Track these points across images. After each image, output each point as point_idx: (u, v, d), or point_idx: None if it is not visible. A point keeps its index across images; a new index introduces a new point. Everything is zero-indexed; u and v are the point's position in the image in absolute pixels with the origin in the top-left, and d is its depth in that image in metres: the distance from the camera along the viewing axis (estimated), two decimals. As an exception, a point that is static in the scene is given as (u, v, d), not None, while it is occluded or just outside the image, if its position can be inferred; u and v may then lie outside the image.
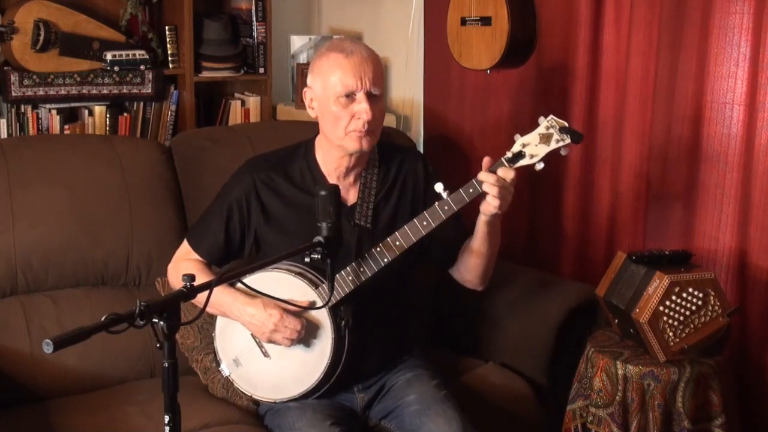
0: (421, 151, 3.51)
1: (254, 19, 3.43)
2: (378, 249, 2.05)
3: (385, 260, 2.04)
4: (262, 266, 1.76)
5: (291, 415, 2.09)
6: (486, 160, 2.01)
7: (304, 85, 2.17)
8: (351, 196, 2.18)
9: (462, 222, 2.20)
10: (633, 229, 2.83)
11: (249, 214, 2.18)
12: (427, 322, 2.74)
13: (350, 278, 2.05)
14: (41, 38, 2.97)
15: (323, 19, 3.84)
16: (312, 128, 2.23)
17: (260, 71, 3.46)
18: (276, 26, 3.50)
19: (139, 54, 3.19)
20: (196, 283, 1.47)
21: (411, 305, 2.34)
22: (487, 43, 2.73)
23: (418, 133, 3.61)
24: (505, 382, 2.49)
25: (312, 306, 2.04)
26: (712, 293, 2.27)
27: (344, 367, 2.07)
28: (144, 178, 2.57)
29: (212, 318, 2.23)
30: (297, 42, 3.66)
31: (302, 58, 3.64)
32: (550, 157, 2.02)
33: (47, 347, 1.24)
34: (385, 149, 2.24)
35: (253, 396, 2.18)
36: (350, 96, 2.04)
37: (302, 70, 3.54)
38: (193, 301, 1.49)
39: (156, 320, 1.38)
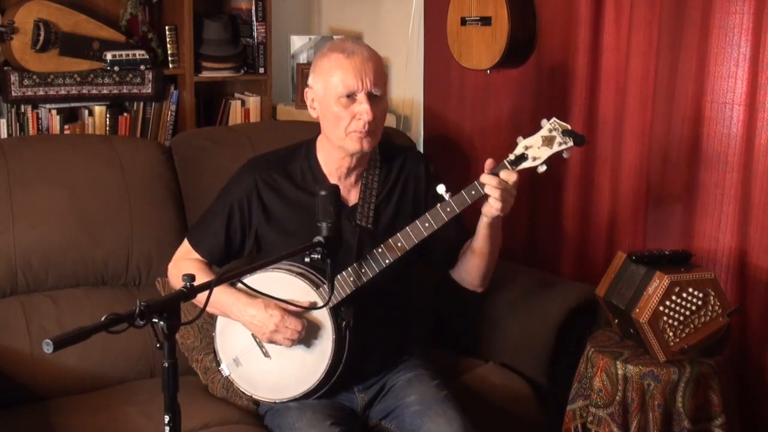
0: (421, 151, 3.51)
1: (254, 19, 3.43)
2: (379, 250, 2.04)
3: (387, 261, 2.04)
4: (263, 266, 1.77)
5: (291, 415, 2.09)
6: (488, 162, 2.01)
7: (304, 85, 2.17)
8: (352, 196, 2.18)
9: (463, 223, 2.19)
10: (633, 229, 2.83)
11: (250, 214, 2.17)
12: (427, 323, 2.74)
13: (351, 279, 2.05)
14: (41, 38, 2.97)
15: (323, 19, 3.84)
16: (312, 128, 2.23)
17: (260, 71, 3.46)
18: (276, 26, 3.50)
19: (139, 54, 3.19)
20: (196, 283, 1.47)
21: (411, 306, 2.34)
22: (487, 43, 2.73)
23: (418, 133, 3.61)
24: (505, 382, 2.49)
25: (313, 306, 2.04)
26: (712, 293, 2.26)
27: (345, 368, 2.07)
28: (144, 178, 2.56)
29: (212, 318, 2.23)
30: (297, 42, 3.66)
31: (302, 58, 3.64)
32: (551, 159, 2.01)
33: (47, 347, 1.24)
34: (386, 150, 2.24)
35: (253, 396, 2.18)
36: (351, 96, 2.04)
37: (302, 70, 3.54)
38: (193, 301, 1.49)
39: (156, 320, 1.38)
